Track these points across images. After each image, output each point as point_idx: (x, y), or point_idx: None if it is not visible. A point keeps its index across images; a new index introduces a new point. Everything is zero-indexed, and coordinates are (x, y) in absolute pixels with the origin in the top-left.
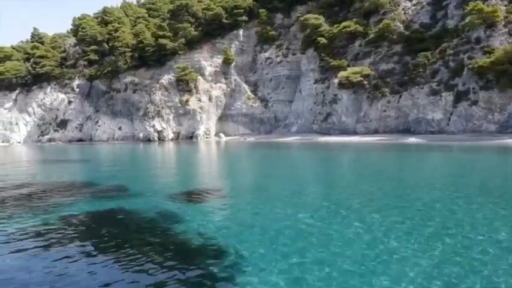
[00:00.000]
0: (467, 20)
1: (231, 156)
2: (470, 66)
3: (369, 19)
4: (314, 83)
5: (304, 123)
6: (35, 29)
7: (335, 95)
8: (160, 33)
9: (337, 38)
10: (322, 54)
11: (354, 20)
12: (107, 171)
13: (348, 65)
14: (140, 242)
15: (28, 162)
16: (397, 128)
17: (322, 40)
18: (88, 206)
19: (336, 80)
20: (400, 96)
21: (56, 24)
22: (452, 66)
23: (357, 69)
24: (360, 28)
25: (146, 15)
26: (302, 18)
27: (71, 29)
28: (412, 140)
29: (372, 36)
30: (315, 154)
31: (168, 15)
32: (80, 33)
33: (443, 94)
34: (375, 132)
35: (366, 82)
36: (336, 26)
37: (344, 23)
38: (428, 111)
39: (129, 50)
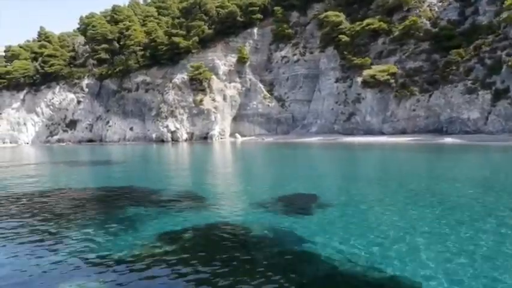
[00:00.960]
0: (503, 16)
1: (270, 157)
2: (509, 63)
3: (392, 16)
4: (335, 82)
5: (324, 123)
6: (41, 27)
7: (358, 94)
8: (174, 31)
9: (360, 35)
10: (345, 52)
11: (377, 17)
12: (156, 174)
13: (371, 64)
14: (275, 269)
15: (55, 163)
16: (427, 128)
17: (344, 38)
18: (180, 219)
19: (359, 79)
20: (431, 95)
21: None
22: (489, 63)
23: (383, 67)
24: (384, 25)
25: (156, 13)
26: (322, 16)
27: (78, 28)
28: (449, 140)
29: (396, 33)
30: (357, 155)
31: (179, 13)
32: (90, 31)
33: (480, 92)
34: (403, 132)
35: (392, 81)
36: (357, 23)
37: (367, 20)
38: (463, 110)
39: (141, 48)
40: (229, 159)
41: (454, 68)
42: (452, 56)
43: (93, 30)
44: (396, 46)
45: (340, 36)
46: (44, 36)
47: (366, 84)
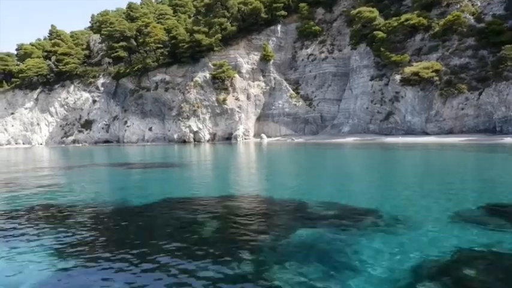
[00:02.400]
0: None
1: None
2: None
3: (429, 12)
4: (370, 80)
5: (358, 123)
6: (52, 26)
7: (397, 93)
8: (195, 28)
9: (397, 32)
10: (382, 49)
11: (416, 12)
12: (259, 180)
13: (409, 61)
14: None
15: (95, 165)
16: (477, 127)
17: (380, 34)
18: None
19: (398, 76)
20: (481, 93)
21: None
22: None
23: (426, 64)
24: (424, 21)
25: (171, 11)
26: (354, 12)
27: (90, 27)
28: (509, 139)
29: (437, 29)
30: (411, 156)
31: (197, 11)
32: (107, 28)
33: None
34: (450, 132)
35: (437, 78)
36: (394, 19)
37: (405, 16)
38: None
39: (161, 46)
40: (289, 160)
41: (510, 64)
42: (506, 52)
43: (110, 27)
44: (437, 42)
45: (376, 32)
46: (55, 35)
47: (405, 82)
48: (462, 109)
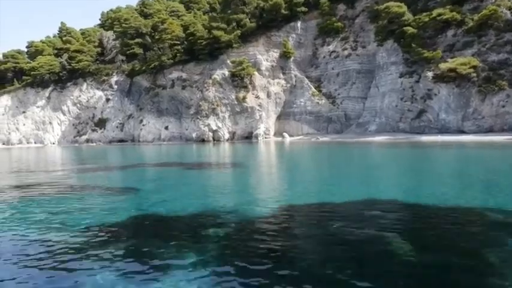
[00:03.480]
0: None
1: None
2: None
3: (461, 6)
4: (399, 77)
5: (386, 122)
6: (62, 23)
7: (429, 90)
8: (214, 24)
9: (428, 27)
10: (413, 45)
11: (448, 7)
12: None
13: (441, 57)
14: None
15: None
16: None
17: (410, 30)
18: None
19: (430, 73)
20: None
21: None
22: None
23: (462, 60)
24: (457, 15)
25: (183, 8)
26: (382, 7)
27: (102, 24)
28: None
29: (471, 24)
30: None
31: (209, 7)
32: (123, 25)
33: None
34: (489, 130)
35: (474, 74)
36: (424, 14)
37: (437, 11)
38: None
39: (178, 43)
40: (329, 160)
41: None
42: None
43: (125, 23)
44: (473, 38)
45: (406, 28)
46: (65, 32)
47: (438, 78)
48: (503, 106)
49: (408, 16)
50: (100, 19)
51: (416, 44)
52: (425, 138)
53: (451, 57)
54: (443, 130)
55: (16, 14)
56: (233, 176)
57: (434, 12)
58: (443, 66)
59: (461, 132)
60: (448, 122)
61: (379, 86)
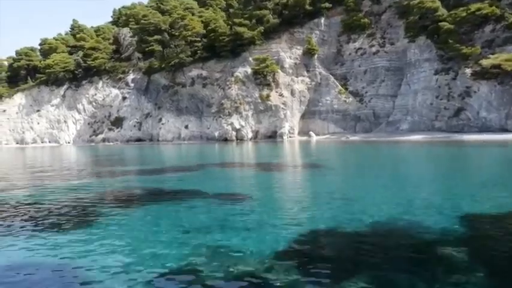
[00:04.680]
0: None
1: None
2: None
3: (499, 1)
4: (434, 74)
5: (419, 120)
6: (74, 20)
7: (468, 87)
8: (236, 20)
9: (466, 23)
10: (450, 41)
11: (486, 2)
12: None
13: (480, 53)
14: None
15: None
16: None
17: (446, 25)
18: None
19: (468, 70)
20: None
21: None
22: None
23: (507, 56)
24: (497, 10)
25: (197, 6)
26: (415, 2)
27: (115, 22)
28: None
29: None
30: None
31: (225, 4)
32: (141, 21)
33: None
34: None
35: None
36: (461, 9)
37: (475, 5)
38: None
39: (198, 39)
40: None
41: None
42: None
43: (144, 20)
44: None
45: (441, 23)
46: (77, 29)
47: (477, 75)
48: None
49: (442, 11)
50: (112, 16)
51: (455, 40)
52: (467, 137)
53: (491, 54)
54: (484, 129)
55: (16, 14)
56: (339, 180)
57: (473, 7)
58: (485, 62)
59: (505, 130)
60: (489, 120)
61: (411, 83)
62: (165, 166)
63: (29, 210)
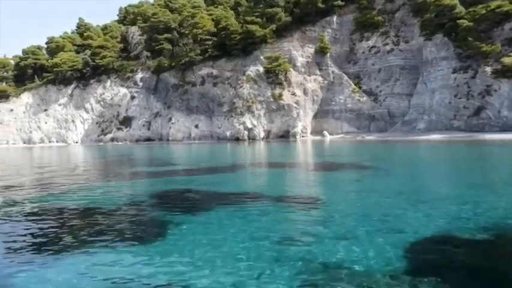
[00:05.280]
0: None
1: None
2: None
3: None
4: (452, 73)
5: (437, 119)
6: (80, 19)
7: (488, 86)
8: (248, 18)
9: (485, 20)
10: (470, 39)
11: None
12: None
13: (500, 51)
14: None
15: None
16: None
17: (465, 23)
18: None
19: (488, 68)
20: None
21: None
22: None
23: None
24: None
25: (203, 4)
26: (431, 0)
27: (121, 20)
28: None
29: None
30: None
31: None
32: (151, 19)
33: None
34: None
35: None
36: (480, 6)
37: (495, 3)
38: None
39: (209, 38)
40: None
41: None
42: None
43: (154, 18)
44: None
45: (460, 21)
46: (84, 28)
47: (498, 74)
48: None
49: (460, 9)
50: (118, 15)
51: (475, 38)
52: (488, 136)
53: (511, 52)
54: (506, 128)
55: (20, 13)
56: (406, 181)
57: (493, 4)
58: (507, 60)
59: None
60: (510, 120)
61: (427, 82)
62: (199, 166)
63: (73, 218)
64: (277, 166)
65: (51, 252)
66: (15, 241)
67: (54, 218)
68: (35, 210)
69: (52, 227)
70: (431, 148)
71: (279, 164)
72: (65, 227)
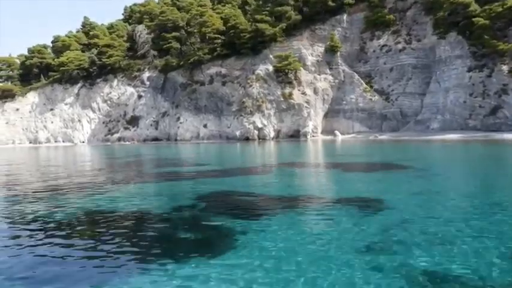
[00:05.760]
0: None
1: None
2: None
3: None
4: (467, 72)
5: (451, 119)
6: (85, 17)
7: (504, 85)
8: (258, 17)
9: (502, 18)
10: (486, 37)
11: None
12: None
13: None
14: None
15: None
16: None
17: (481, 21)
18: None
19: (505, 67)
20: None
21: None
22: None
23: None
24: None
25: (209, 2)
26: None
27: (124, 19)
28: None
29: None
30: None
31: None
32: (159, 18)
33: None
34: None
35: None
36: (496, 4)
37: (511, 0)
38: None
39: (218, 36)
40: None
41: None
42: None
43: (162, 16)
44: None
45: (476, 19)
46: (89, 27)
47: None
48: None
49: (475, 7)
50: (123, 14)
51: (491, 36)
52: (507, 135)
53: None
54: None
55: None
56: (463, 182)
57: (509, 2)
58: None
59: None
60: None
61: (441, 81)
62: (227, 167)
63: (127, 225)
64: (309, 166)
65: (114, 265)
66: (71, 255)
67: (105, 224)
68: (90, 217)
69: (108, 235)
70: (455, 147)
71: (311, 164)
72: (123, 235)
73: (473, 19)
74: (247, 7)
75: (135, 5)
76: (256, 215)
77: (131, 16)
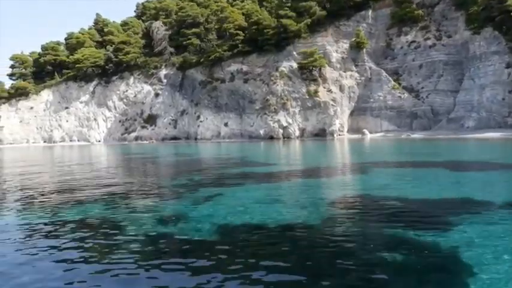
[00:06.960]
0: None
1: None
2: None
3: None
4: (506, 68)
5: (488, 117)
6: (97, 14)
7: None
8: (282, 12)
9: None
10: None
11: None
12: None
13: None
14: None
15: None
16: None
17: None
18: None
19: None
20: None
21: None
22: None
23: None
24: None
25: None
26: None
27: (136, 16)
28: None
29: None
30: None
31: None
32: (179, 13)
33: None
34: None
35: None
36: None
37: None
38: None
39: (239, 33)
40: None
41: None
42: None
43: (182, 12)
44: None
45: None
46: (101, 24)
47: None
48: None
49: (511, 1)
50: (135, 11)
51: None
52: None
53: None
54: None
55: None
56: None
57: None
58: None
59: None
60: None
61: (476, 78)
62: (313, 166)
63: (259, 239)
64: (396, 165)
65: None
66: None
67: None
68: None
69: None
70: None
71: (402, 163)
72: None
73: (511, 14)
74: (265, 3)
75: (148, 1)
76: (423, 226)
77: (144, 13)
